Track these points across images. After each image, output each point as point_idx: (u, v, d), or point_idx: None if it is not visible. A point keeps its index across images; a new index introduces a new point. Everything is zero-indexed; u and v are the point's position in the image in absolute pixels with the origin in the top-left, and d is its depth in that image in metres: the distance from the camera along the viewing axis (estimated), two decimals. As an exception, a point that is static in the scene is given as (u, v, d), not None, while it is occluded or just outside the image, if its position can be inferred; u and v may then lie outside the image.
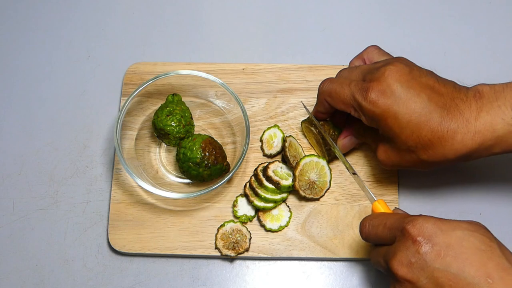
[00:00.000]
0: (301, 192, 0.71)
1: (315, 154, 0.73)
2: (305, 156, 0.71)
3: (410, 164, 0.64)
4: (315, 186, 0.72)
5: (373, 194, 0.65)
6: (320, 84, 0.68)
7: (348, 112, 0.66)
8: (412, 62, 0.64)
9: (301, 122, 0.75)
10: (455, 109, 0.59)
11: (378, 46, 0.70)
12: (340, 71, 0.69)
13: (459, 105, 0.59)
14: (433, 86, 0.61)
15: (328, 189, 0.73)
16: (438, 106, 0.59)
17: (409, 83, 0.60)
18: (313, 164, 0.71)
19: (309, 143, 0.76)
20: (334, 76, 0.70)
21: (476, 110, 0.59)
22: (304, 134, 0.76)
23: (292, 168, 0.72)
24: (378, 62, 0.65)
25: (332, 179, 0.73)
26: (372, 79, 0.62)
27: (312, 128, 0.73)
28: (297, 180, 0.71)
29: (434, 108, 0.59)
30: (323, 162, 0.72)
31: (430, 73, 0.63)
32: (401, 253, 0.53)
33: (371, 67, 0.64)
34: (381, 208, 0.62)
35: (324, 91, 0.67)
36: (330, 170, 0.73)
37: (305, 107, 0.75)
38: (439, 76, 0.63)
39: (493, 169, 0.75)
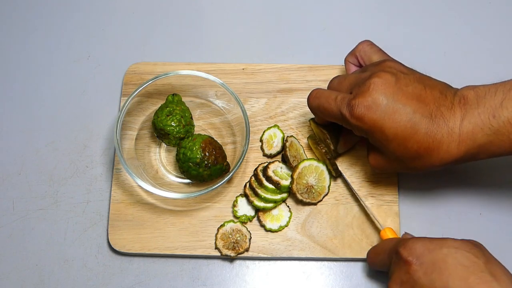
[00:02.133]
0: (298, 196, 0.71)
1: (315, 158, 0.73)
2: (304, 159, 0.71)
3: (400, 169, 0.66)
4: (313, 191, 0.71)
5: (380, 222, 0.69)
6: (308, 99, 0.68)
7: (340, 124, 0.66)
8: (400, 66, 0.64)
9: (307, 138, 0.75)
10: (440, 118, 0.60)
11: (370, 42, 0.71)
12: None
13: (444, 113, 0.60)
14: (420, 95, 0.61)
15: (326, 194, 0.72)
16: (424, 116, 0.60)
17: (394, 95, 0.60)
18: (312, 168, 0.71)
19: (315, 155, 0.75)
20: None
21: (460, 118, 0.59)
22: (311, 148, 0.75)
23: (291, 168, 0.72)
24: (366, 71, 0.65)
25: (332, 180, 0.73)
26: (358, 93, 0.62)
27: (318, 147, 0.72)
28: (294, 183, 0.70)
29: (419, 120, 0.60)
30: (322, 167, 0.72)
31: (418, 79, 0.62)
32: (395, 274, 0.57)
33: (358, 79, 0.64)
34: (389, 234, 0.67)
35: (313, 107, 0.67)
36: (330, 176, 0.72)
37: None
38: (427, 79, 0.63)
39: (493, 170, 0.75)
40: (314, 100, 0.67)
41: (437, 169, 0.63)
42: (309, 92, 0.68)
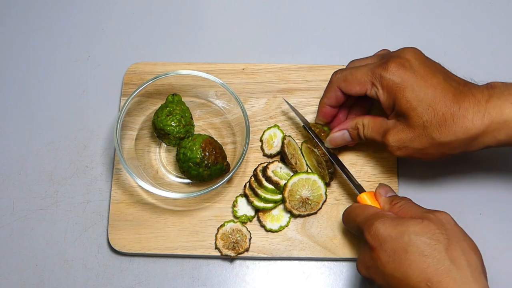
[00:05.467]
0: (295, 211, 0.71)
1: (304, 171, 0.72)
2: (292, 175, 0.70)
3: (421, 145, 0.64)
4: (309, 202, 0.71)
5: (356, 187, 0.68)
6: (333, 74, 0.70)
7: (363, 94, 0.66)
8: None
9: (302, 143, 0.74)
10: (468, 91, 0.62)
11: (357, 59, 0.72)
12: (350, 62, 0.72)
13: (472, 89, 0.62)
14: (446, 72, 0.65)
15: (325, 201, 0.72)
16: (452, 86, 0.62)
17: (426, 62, 0.64)
18: (302, 182, 0.70)
19: (307, 165, 0.73)
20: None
21: (487, 95, 0.61)
22: (303, 155, 0.74)
23: (290, 166, 0.72)
24: (388, 52, 0.68)
25: (332, 179, 0.73)
26: (390, 56, 0.65)
27: (315, 150, 0.72)
28: (287, 201, 0.70)
29: (449, 87, 0.62)
30: (314, 177, 0.71)
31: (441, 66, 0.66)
32: (361, 255, 0.60)
33: (383, 54, 0.68)
34: (366, 200, 0.66)
35: (338, 78, 0.69)
36: (324, 182, 0.71)
37: (295, 110, 0.74)
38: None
39: (494, 169, 0.75)
40: (340, 72, 0.69)
41: (457, 147, 0.62)
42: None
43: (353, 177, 0.70)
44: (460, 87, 0.62)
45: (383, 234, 0.57)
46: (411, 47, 0.66)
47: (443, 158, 0.65)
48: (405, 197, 0.64)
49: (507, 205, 0.74)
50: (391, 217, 0.59)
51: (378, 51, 0.71)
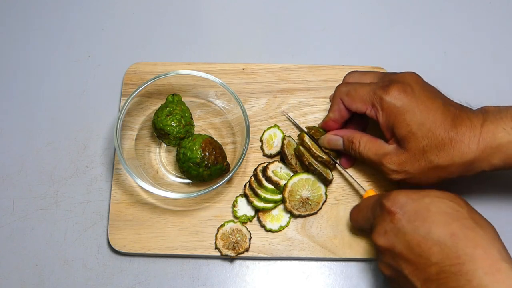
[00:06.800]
0: (295, 212, 0.71)
1: (303, 171, 0.72)
2: (292, 176, 0.71)
3: (419, 169, 0.64)
4: (309, 202, 0.71)
5: (362, 186, 0.70)
6: (337, 86, 0.70)
7: (363, 112, 0.67)
8: None
9: (297, 146, 0.73)
10: (464, 116, 0.63)
11: (357, 70, 0.73)
12: (348, 73, 0.72)
13: (468, 113, 0.63)
14: (444, 97, 0.65)
15: (325, 201, 0.72)
16: (450, 111, 0.63)
17: (425, 87, 0.65)
18: (302, 182, 0.71)
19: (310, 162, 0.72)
20: (337, 77, 0.71)
21: (482, 119, 0.62)
22: (303, 154, 0.72)
23: (290, 165, 0.72)
24: (389, 74, 0.69)
25: (333, 179, 0.73)
26: (391, 80, 0.65)
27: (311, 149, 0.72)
28: (287, 201, 0.70)
29: (448, 111, 0.63)
30: (313, 178, 0.71)
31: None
32: (379, 225, 0.58)
33: (384, 75, 0.68)
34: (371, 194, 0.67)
35: (342, 91, 0.69)
36: (325, 183, 0.72)
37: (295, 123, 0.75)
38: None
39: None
40: (344, 85, 0.69)
41: (453, 172, 0.63)
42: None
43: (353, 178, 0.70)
44: (457, 112, 0.63)
45: (403, 198, 0.57)
46: (411, 72, 0.66)
47: (440, 183, 0.65)
48: None
49: (507, 206, 0.74)
50: (406, 189, 0.59)
51: (348, 75, 0.72)
